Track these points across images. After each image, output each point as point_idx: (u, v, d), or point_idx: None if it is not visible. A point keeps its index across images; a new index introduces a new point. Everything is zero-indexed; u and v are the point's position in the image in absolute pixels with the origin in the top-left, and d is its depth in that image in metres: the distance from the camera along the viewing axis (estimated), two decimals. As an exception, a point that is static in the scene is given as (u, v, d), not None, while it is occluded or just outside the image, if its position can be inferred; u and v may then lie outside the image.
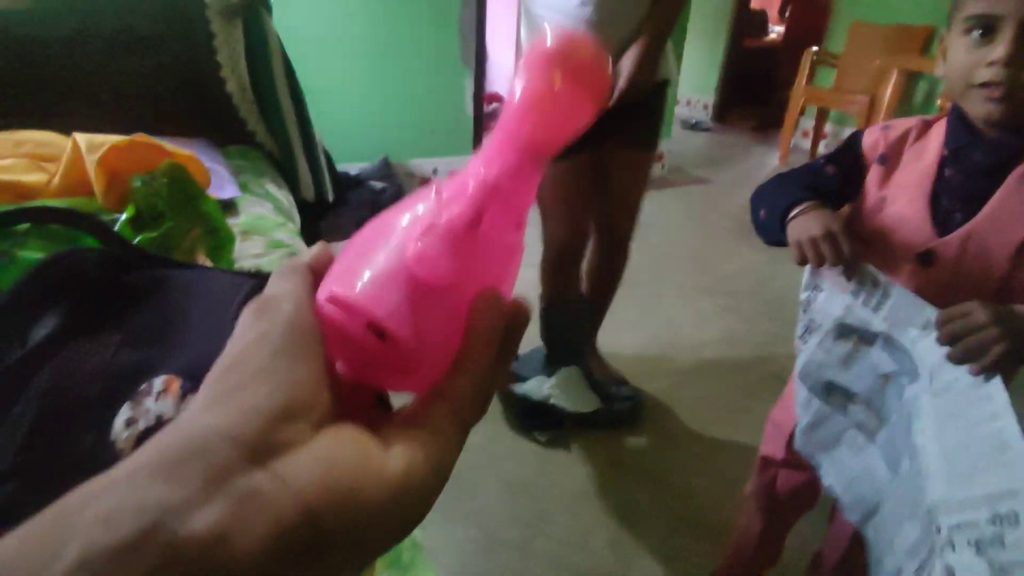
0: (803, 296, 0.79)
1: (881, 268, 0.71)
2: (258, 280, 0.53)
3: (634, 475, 1.51)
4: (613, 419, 1.64)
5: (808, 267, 0.77)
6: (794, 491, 0.99)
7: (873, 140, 0.81)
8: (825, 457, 0.82)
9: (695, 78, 5.18)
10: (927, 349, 0.65)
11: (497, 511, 1.38)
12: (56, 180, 1.04)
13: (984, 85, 0.66)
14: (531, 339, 1.71)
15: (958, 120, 0.73)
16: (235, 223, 1.17)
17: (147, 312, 0.50)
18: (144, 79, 1.55)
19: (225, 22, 1.58)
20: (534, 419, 1.61)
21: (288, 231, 1.25)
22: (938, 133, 0.76)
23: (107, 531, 0.14)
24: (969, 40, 0.67)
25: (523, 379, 1.65)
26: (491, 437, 1.59)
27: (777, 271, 2.54)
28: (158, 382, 0.45)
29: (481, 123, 3.35)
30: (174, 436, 0.17)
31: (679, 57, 3.94)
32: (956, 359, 0.62)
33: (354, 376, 0.23)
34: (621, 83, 1.24)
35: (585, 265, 1.63)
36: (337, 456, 0.18)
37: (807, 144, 4.20)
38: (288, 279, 0.22)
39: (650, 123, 1.43)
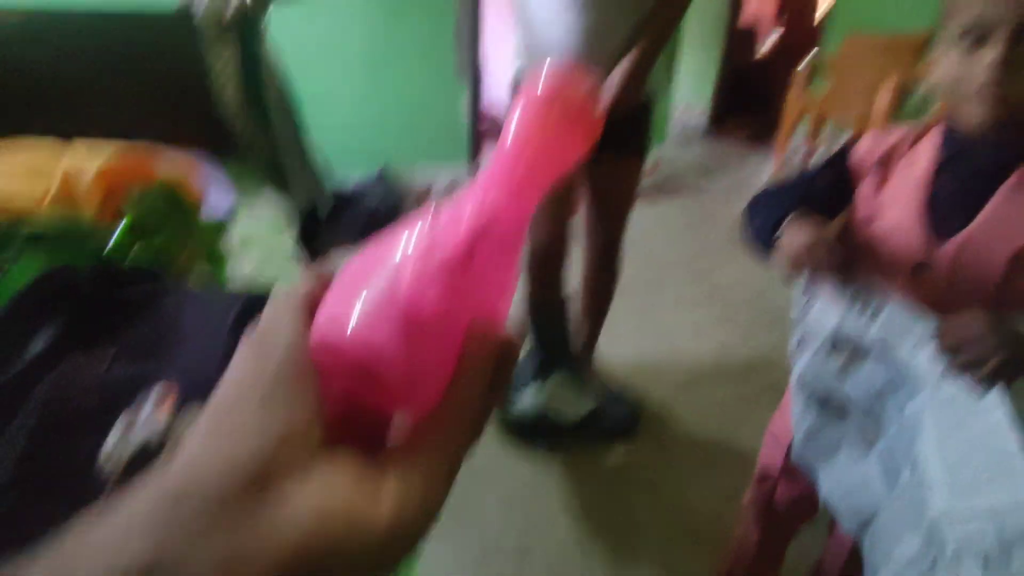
0: (796, 308, 0.79)
1: (876, 277, 0.71)
2: (249, 297, 0.53)
3: (631, 485, 1.50)
4: (612, 426, 1.63)
5: (802, 279, 0.76)
6: (793, 502, 0.99)
7: (866, 149, 0.81)
8: (823, 467, 0.82)
9: (690, 87, 5.21)
10: (925, 361, 0.65)
11: (494, 521, 1.37)
12: (50, 194, 1.03)
13: (977, 92, 0.66)
14: (524, 344, 1.71)
15: (951, 129, 0.73)
16: (232, 232, 1.17)
17: (141, 326, 0.50)
18: (138, 92, 1.56)
19: (218, 37, 1.59)
20: (532, 436, 1.61)
21: (285, 240, 1.25)
22: (931, 142, 0.76)
23: None
24: (962, 49, 0.67)
25: (517, 389, 1.64)
26: (488, 448, 1.58)
27: (774, 281, 2.54)
28: (154, 392, 0.46)
29: (477, 132, 3.36)
30: (172, 481, 0.18)
31: (674, 65, 3.96)
32: (955, 370, 0.62)
33: (349, 407, 0.23)
34: (608, 97, 1.23)
35: (577, 281, 1.62)
36: (327, 506, 0.19)
37: (803, 152, 4.23)
38: (284, 311, 0.23)
39: (638, 133, 1.41)
